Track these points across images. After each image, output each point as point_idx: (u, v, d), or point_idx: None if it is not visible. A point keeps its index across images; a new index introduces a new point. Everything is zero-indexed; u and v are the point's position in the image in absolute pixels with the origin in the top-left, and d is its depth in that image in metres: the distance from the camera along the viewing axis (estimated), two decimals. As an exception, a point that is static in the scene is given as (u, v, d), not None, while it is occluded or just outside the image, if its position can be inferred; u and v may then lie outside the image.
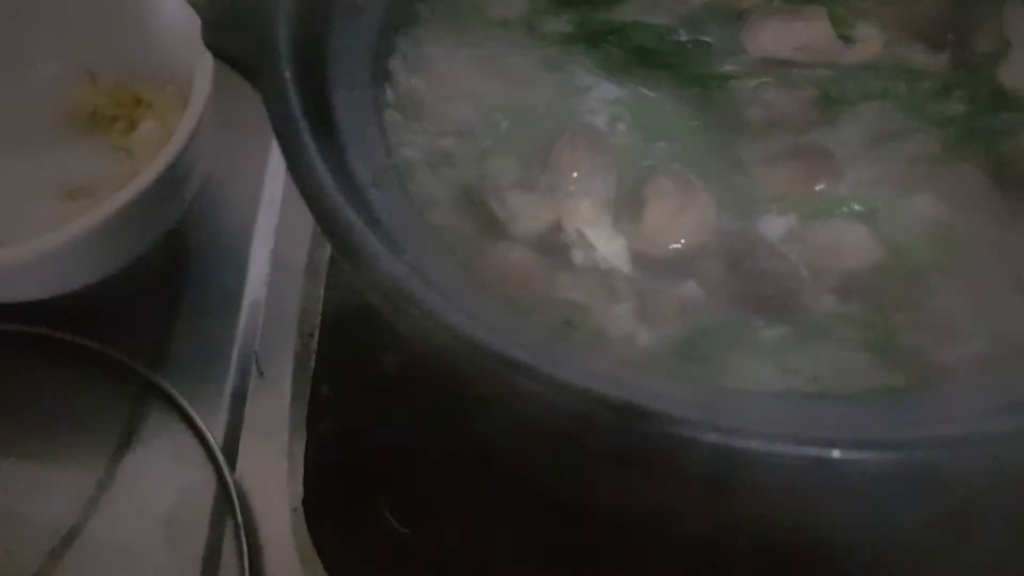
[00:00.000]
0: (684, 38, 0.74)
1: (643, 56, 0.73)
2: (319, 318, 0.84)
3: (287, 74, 0.53)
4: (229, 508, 0.72)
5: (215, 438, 0.77)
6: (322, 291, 0.86)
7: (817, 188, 0.66)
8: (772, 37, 0.74)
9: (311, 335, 0.82)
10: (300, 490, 0.74)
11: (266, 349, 0.83)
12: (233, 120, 0.80)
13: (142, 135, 0.87)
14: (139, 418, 0.77)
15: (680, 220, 0.65)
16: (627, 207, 0.66)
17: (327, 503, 0.73)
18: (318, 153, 0.52)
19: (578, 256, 0.64)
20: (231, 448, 0.78)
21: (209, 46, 0.57)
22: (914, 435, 0.47)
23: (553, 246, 0.64)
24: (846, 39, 0.74)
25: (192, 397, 0.79)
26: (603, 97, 0.71)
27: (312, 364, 0.81)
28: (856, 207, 0.65)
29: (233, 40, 0.56)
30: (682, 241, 0.64)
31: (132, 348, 0.79)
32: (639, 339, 0.61)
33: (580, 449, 0.48)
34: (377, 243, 0.49)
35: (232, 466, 0.76)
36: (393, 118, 0.66)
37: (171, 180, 0.78)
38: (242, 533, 0.70)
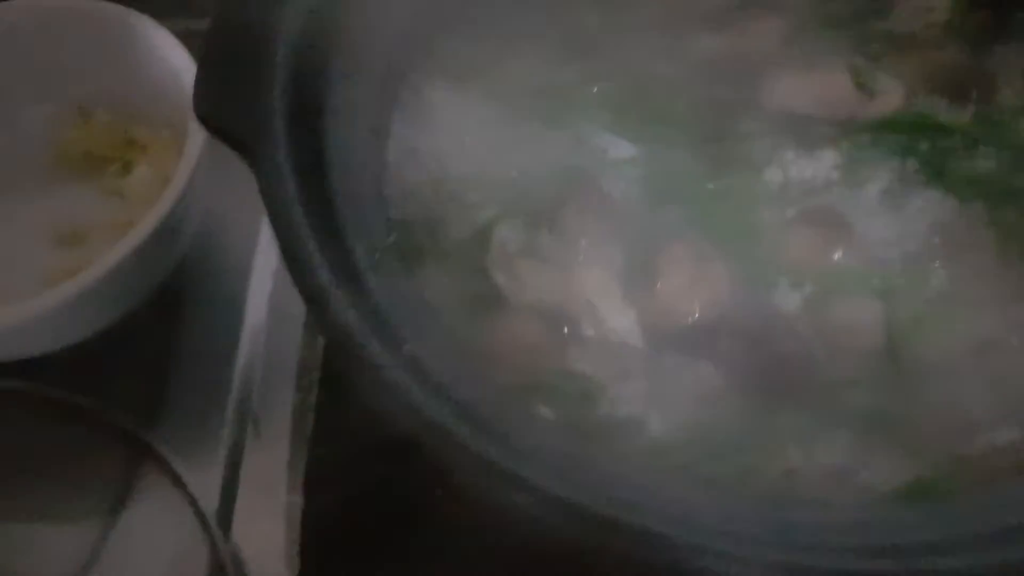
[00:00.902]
0: (699, 91, 0.71)
1: (656, 111, 0.70)
2: (319, 372, 0.81)
3: (281, 154, 0.51)
4: (223, 579, 0.69)
5: (210, 499, 0.74)
6: (322, 342, 0.83)
7: (833, 258, 0.63)
8: (789, 90, 0.71)
9: (310, 389, 0.79)
10: (297, 561, 0.71)
11: (263, 405, 0.80)
12: (228, 163, 0.77)
13: (136, 179, 0.85)
14: (132, 480, 0.75)
15: (694, 292, 0.62)
16: (639, 277, 0.63)
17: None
18: (313, 236, 0.50)
19: (588, 329, 0.62)
20: (227, 509, 0.75)
21: (200, 119, 0.54)
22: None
23: (561, 318, 0.62)
24: (866, 92, 0.71)
25: (186, 456, 0.76)
26: (614, 157, 0.68)
27: (311, 421, 0.78)
28: (873, 282, 0.62)
29: (225, 114, 0.53)
30: (696, 315, 0.62)
31: (124, 406, 0.76)
32: (651, 426, 0.58)
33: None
34: (373, 341, 0.46)
35: (227, 530, 0.74)
36: (394, 184, 0.63)
37: (167, 230, 0.76)
38: (236, 607, 0.68)
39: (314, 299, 0.47)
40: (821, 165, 0.67)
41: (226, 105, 0.54)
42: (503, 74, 0.70)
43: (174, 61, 0.82)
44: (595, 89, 0.70)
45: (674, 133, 0.69)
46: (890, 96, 0.71)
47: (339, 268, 0.50)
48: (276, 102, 0.54)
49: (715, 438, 0.57)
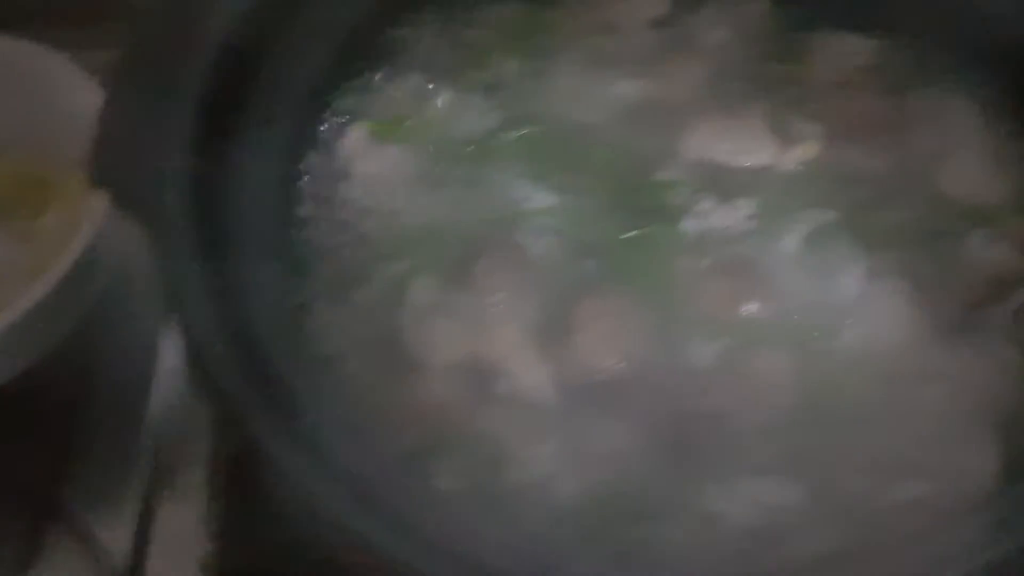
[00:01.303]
0: (618, 139, 0.70)
1: (574, 160, 0.69)
2: (235, 419, 0.79)
3: (180, 223, 0.49)
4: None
5: (120, 557, 0.72)
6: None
7: (748, 309, 0.63)
8: (707, 138, 0.71)
9: (224, 447, 0.77)
10: (213, 623, 0.70)
11: (177, 456, 0.78)
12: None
13: (47, 223, 0.82)
14: (38, 538, 0.72)
15: (608, 347, 0.62)
16: (554, 332, 0.62)
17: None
18: (209, 305, 0.48)
19: (500, 387, 0.61)
20: (139, 566, 0.73)
21: (97, 184, 0.52)
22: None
23: (473, 376, 0.61)
24: (784, 140, 0.71)
25: (97, 512, 0.74)
26: (531, 207, 0.67)
27: (226, 472, 0.76)
28: (788, 333, 0.62)
29: (121, 180, 0.51)
30: (611, 371, 0.61)
31: (30, 460, 0.74)
32: (563, 487, 0.57)
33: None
34: (261, 416, 0.45)
35: (138, 587, 0.72)
36: (302, 240, 0.61)
37: (78, 276, 0.73)
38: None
39: (203, 371, 0.46)
40: (738, 215, 0.67)
41: (123, 169, 0.52)
42: (419, 124, 0.69)
43: (87, 99, 0.79)
44: (513, 137, 0.69)
45: (592, 182, 0.69)
46: (808, 144, 0.71)
47: (235, 332, 0.48)
48: (174, 158, 0.52)
49: (625, 499, 0.56)
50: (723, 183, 0.69)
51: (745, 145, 0.70)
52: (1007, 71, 0.71)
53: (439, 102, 0.70)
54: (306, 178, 0.65)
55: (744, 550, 0.54)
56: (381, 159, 0.67)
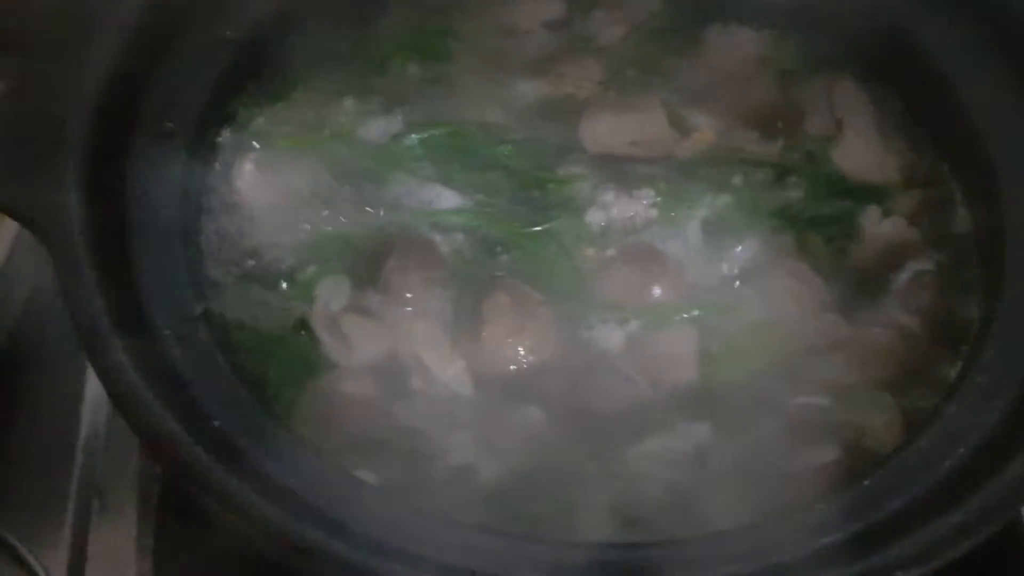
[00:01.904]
0: (520, 136, 0.72)
1: (479, 159, 0.71)
2: (164, 437, 0.79)
3: (76, 232, 0.50)
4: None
5: (58, 576, 0.72)
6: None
7: (652, 293, 0.65)
8: (608, 131, 0.73)
9: (155, 466, 0.77)
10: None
11: (107, 476, 0.78)
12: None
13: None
14: (-32, 565, 0.72)
15: (520, 338, 0.63)
16: (466, 326, 0.64)
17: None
18: (108, 315, 0.49)
19: (416, 382, 0.62)
20: (75, 587, 0.73)
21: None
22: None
23: (389, 373, 0.62)
24: (680, 130, 0.73)
25: (30, 535, 0.74)
26: (438, 207, 0.68)
27: (157, 490, 0.76)
28: (690, 313, 0.64)
29: (17, 192, 0.52)
30: (523, 360, 0.63)
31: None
32: (481, 472, 0.59)
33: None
34: (171, 421, 0.46)
35: (76, 609, 0.71)
36: (205, 249, 0.62)
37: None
38: None
39: (109, 381, 0.47)
40: (640, 204, 0.69)
41: (17, 183, 0.53)
42: (321, 129, 0.70)
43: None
44: (416, 140, 0.70)
45: (497, 180, 0.70)
46: (703, 133, 0.73)
47: (139, 345, 0.49)
48: (71, 176, 0.53)
49: (543, 479, 0.58)
50: (624, 175, 0.71)
51: (644, 136, 0.73)
52: (890, 57, 0.74)
53: (342, 110, 0.71)
54: (208, 192, 0.65)
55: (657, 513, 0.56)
56: (284, 171, 0.68)
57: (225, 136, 0.68)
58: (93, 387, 0.80)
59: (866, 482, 0.56)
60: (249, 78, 0.69)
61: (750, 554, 0.50)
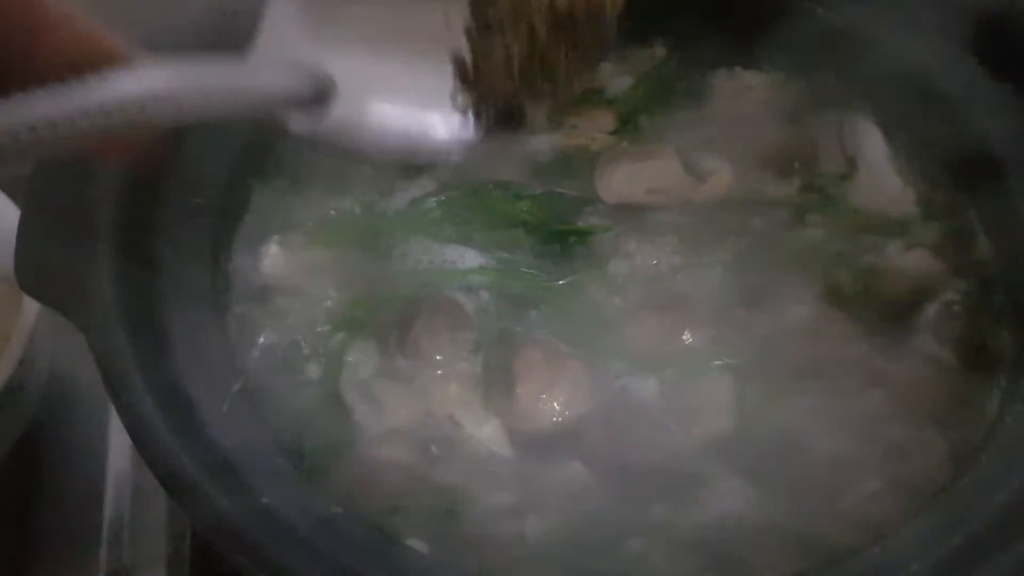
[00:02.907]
0: (537, 191, 0.72)
1: (497, 216, 0.70)
2: (191, 517, 0.78)
3: (111, 314, 0.49)
4: None
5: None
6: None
7: (682, 341, 0.64)
8: (624, 182, 0.73)
9: (183, 537, 0.76)
10: None
11: (134, 558, 0.76)
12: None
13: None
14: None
15: (553, 392, 0.63)
16: (497, 384, 0.63)
17: None
18: (150, 393, 0.48)
19: (453, 444, 0.61)
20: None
21: (23, 288, 0.52)
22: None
23: (425, 436, 0.61)
24: (696, 175, 0.73)
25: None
26: (461, 266, 0.68)
27: (187, 573, 0.75)
28: (723, 360, 0.64)
29: (49, 281, 0.52)
30: (558, 415, 0.62)
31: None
32: (528, 530, 0.58)
33: None
34: (221, 497, 0.45)
35: None
36: (236, 323, 0.62)
37: (11, 391, 0.72)
38: None
39: (156, 462, 0.46)
40: (663, 251, 0.69)
41: (50, 271, 0.52)
42: (343, 196, 0.70)
43: (3, 213, 0.79)
44: (434, 203, 0.70)
45: (518, 236, 0.70)
46: (719, 177, 0.73)
47: (181, 424, 0.48)
48: (103, 261, 0.53)
49: (592, 534, 0.57)
50: (644, 223, 0.71)
51: (660, 184, 0.73)
52: (899, 92, 0.75)
53: (359, 174, 0.71)
54: (236, 270, 0.65)
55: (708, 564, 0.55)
56: (308, 247, 0.68)
57: (250, 214, 0.67)
58: (116, 464, 0.79)
59: (916, 522, 0.55)
60: (269, 154, 0.69)
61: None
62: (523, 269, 0.68)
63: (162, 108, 0.35)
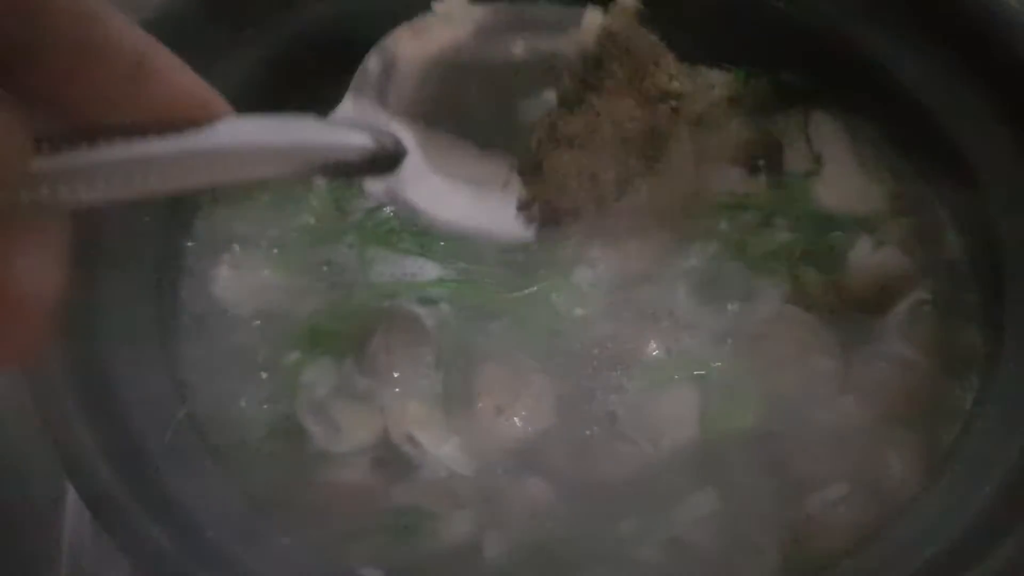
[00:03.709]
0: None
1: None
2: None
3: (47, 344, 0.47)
4: None
5: None
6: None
7: (647, 351, 0.63)
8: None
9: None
10: None
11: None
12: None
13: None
14: None
15: (515, 408, 0.61)
16: (458, 401, 0.61)
17: None
18: (87, 424, 0.46)
19: (413, 463, 0.60)
20: None
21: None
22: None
23: (383, 457, 0.59)
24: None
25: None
26: (419, 279, 0.66)
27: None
28: (689, 369, 0.62)
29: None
30: (521, 430, 0.60)
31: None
32: (487, 549, 0.56)
33: None
34: (161, 537, 0.43)
35: None
36: (184, 349, 0.60)
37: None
38: None
39: (90, 498, 0.44)
40: (627, 259, 0.67)
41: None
42: (296, 210, 0.68)
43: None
44: (391, 212, 0.68)
45: (479, 246, 0.68)
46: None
47: (121, 457, 0.46)
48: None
49: (553, 552, 0.55)
50: (608, 229, 0.69)
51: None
52: (864, 88, 0.73)
53: (313, 192, 0.69)
54: (182, 292, 0.63)
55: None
56: (257, 265, 0.65)
57: (194, 233, 0.65)
58: (73, 510, 0.76)
59: (891, 529, 0.53)
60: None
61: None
62: (484, 280, 0.66)
63: (251, 160, 0.35)
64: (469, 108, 0.50)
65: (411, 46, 0.49)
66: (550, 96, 0.51)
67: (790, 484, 0.59)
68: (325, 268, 0.66)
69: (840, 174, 0.72)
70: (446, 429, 0.60)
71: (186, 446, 0.52)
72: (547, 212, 0.51)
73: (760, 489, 0.59)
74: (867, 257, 0.68)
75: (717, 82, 0.77)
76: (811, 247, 0.68)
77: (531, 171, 0.51)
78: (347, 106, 0.47)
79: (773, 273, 0.67)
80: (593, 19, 0.51)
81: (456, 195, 0.49)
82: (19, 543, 0.75)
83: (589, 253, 0.67)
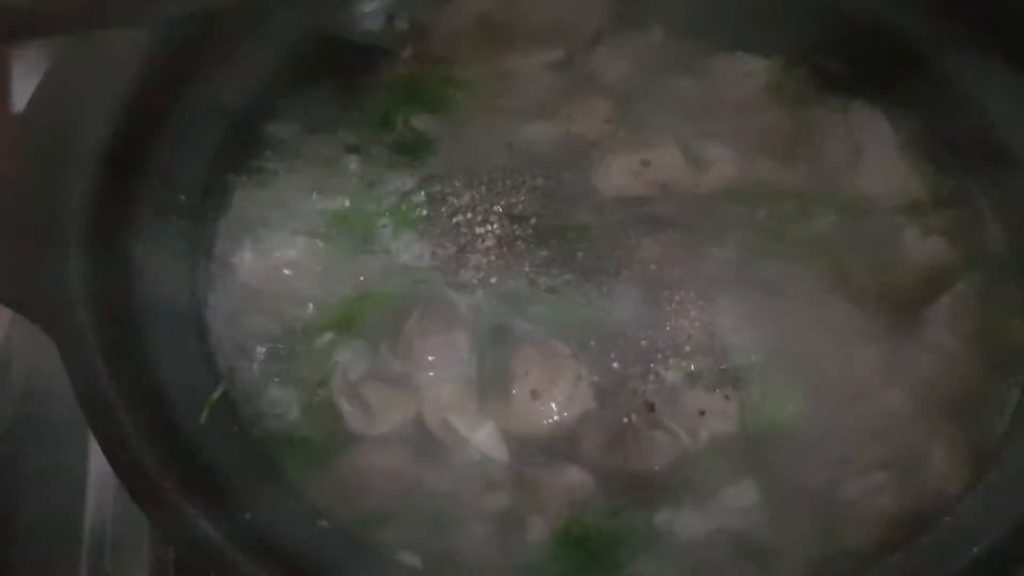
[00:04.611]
0: (533, 183, 0.69)
1: (491, 212, 0.68)
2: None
3: (82, 317, 0.46)
4: None
5: None
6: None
7: (685, 340, 0.62)
8: (622, 173, 0.69)
9: (167, 551, 0.73)
10: None
11: (117, 563, 0.73)
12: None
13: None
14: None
15: (552, 392, 0.60)
16: (493, 386, 0.60)
17: None
18: (123, 405, 0.45)
19: (447, 447, 0.59)
20: None
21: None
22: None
23: (417, 441, 0.58)
24: (697, 165, 0.70)
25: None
26: (454, 265, 0.65)
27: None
28: (730, 362, 0.61)
29: (20, 288, 0.48)
30: (556, 416, 0.59)
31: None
32: (525, 535, 0.55)
33: None
34: (199, 516, 0.42)
35: None
36: (218, 330, 0.59)
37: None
38: None
39: (129, 480, 0.43)
40: (663, 246, 0.66)
41: (21, 278, 0.49)
42: (328, 191, 0.67)
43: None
44: (425, 196, 0.67)
45: (514, 231, 0.67)
46: (723, 166, 0.70)
47: (157, 437, 0.45)
48: (74, 263, 0.50)
49: (592, 539, 0.54)
50: (644, 217, 0.68)
51: (660, 175, 0.70)
52: (903, 77, 0.72)
53: (346, 172, 0.68)
54: (214, 272, 0.62)
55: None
56: (287, 246, 0.64)
57: (231, 211, 0.64)
58: (97, 472, 0.76)
59: (938, 524, 0.52)
60: (249, 147, 0.66)
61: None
62: (519, 266, 0.65)
63: None
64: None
65: None
66: None
67: (832, 476, 0.57)
68: (357, 251, 0.64)
69: (881, 164, 0.71)
70: (481, 414, 0.59)
71: (222, 426, 0.51)
72: None
73: (801, 481, 0.57)
74: (910, 248, 0.67)
75: (756, 69, 0.76)
76: (852, 237, 0.67)
77: None
78: None
79: (813, 262, 0.65)
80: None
81: None
82: (44, 524, 0.75)
83: (625, 241, 0.66)
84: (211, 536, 0.43)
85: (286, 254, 0.64)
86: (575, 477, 0.57)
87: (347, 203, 0.67)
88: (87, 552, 0.75)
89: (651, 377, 0.61)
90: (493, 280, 0.64)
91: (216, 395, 0.54)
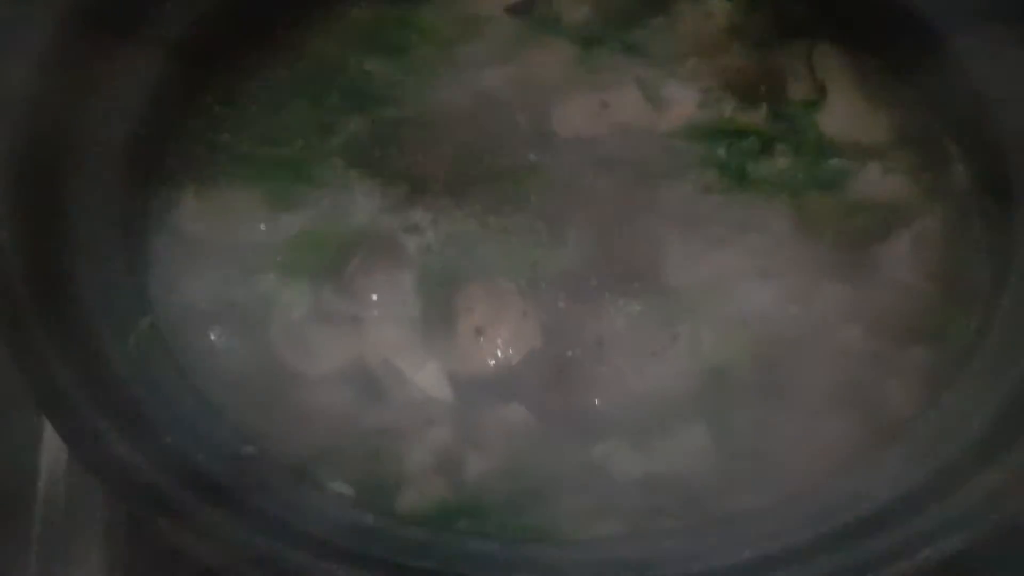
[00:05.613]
0: (490, 124, 0.67)
1: (444, 153, 0.66)
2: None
3: (8, 253, 0.45)
4: None
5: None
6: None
7: (638, 276, 0.60)
8: (580, 115, 0.68)
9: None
10: None
11: (71, 521, 0.72)
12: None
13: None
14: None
15: (497, 330, 0.58)
16: (437, 325, 0.59)
17: None
18: (44, 327, 0.44)
19: (389, 387, 0.57)
20: None
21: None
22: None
23: (358, 380, 0.57)
24: (657, 104, 0.69)
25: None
26: (404, 204, 0.64)
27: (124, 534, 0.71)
28: (683, 294, 0.59)
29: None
30: (501, 353, 0.58)
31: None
32: (461, 471, 0.54)
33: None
34: (115, 438, 0.41)
35: None
36: (154, 265, 0.58)
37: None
38: None
39: (44, 397, 0.42)
40: (619, 185, 0.64)
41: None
42: (277, 134, 0.66)
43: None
44: (379, 134, 0.66)
45: (468, 171, 0.66)
46: (682, 105, 0.69)
47: (79, 362, 0.44)
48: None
49: (529, 475, 0.53)
50: (602, 157, 0.66)
51: (619, 115, 0.68)
52: (866, 15, 0.70)
53: (298, 113, 0.67)
54: (153, 210, 0.61)
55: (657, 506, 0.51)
56: (235, 185, 0.63)
57: (173, 148, 0.64)
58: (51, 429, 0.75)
59: (886, 451, 0.51)
60: (194, 88, 0.65)
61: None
62: (470, 206, 0.64)
63: None
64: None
65: None
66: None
67: (787, 413, 0.56)
68: (304, 193, 0.63)
69: (845, 104, 0.70)
70: (424, 353, 0.58)
71: (150, 355, 0.50)
72: None
73: (755, 420, 0.56)
74: (873, 184, 0.66)
75: (718, 10, 0.74)
76: (814, 172, 0.65)
77: None
78: None
79: (775, 200, 0.64)
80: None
81: None
82: None
83: (582, 180, 0.65)
84: (128, 457, 0.42)
85: (232, 196, 0.62)
86: (516, 414, 0.56)
87: (297, 147, 0.66)
88: (41, 513, 0.73)
89: (600, 315, 0.59)
90: (443, 221, 0.63)
91: (144, 325, 0.53)
